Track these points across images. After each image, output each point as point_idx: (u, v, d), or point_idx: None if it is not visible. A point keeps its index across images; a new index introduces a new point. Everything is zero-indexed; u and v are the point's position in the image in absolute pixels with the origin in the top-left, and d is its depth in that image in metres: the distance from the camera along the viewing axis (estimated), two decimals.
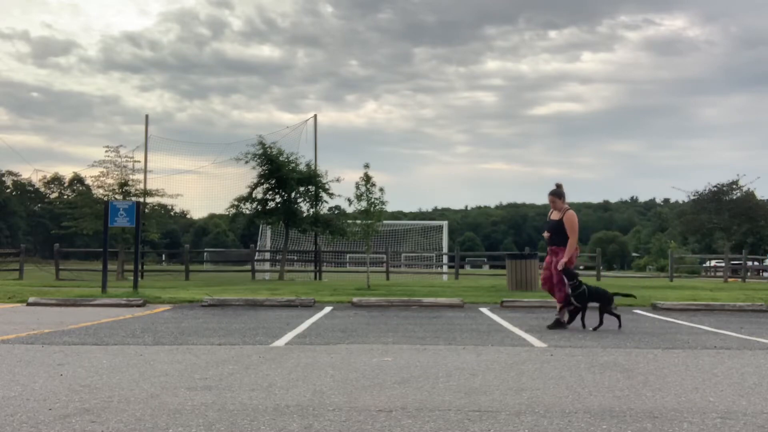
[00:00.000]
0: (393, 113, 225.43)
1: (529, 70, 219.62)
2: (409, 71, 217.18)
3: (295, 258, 29.62)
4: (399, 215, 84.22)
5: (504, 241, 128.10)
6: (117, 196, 21.33)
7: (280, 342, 6.78)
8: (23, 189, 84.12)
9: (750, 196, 25.81)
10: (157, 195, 23.07)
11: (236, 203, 22.79)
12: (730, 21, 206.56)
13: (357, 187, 16.53)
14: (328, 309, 10.86)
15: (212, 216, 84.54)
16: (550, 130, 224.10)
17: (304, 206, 23.15)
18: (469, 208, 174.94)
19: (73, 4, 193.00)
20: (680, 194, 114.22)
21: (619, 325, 8.24)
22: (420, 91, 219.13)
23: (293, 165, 22.33)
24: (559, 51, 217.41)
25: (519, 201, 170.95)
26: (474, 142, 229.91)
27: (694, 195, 26.25)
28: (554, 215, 8.53)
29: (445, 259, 33.21)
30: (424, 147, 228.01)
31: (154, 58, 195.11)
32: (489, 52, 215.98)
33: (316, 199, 22.83)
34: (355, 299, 11.90)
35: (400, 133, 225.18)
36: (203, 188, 27.95)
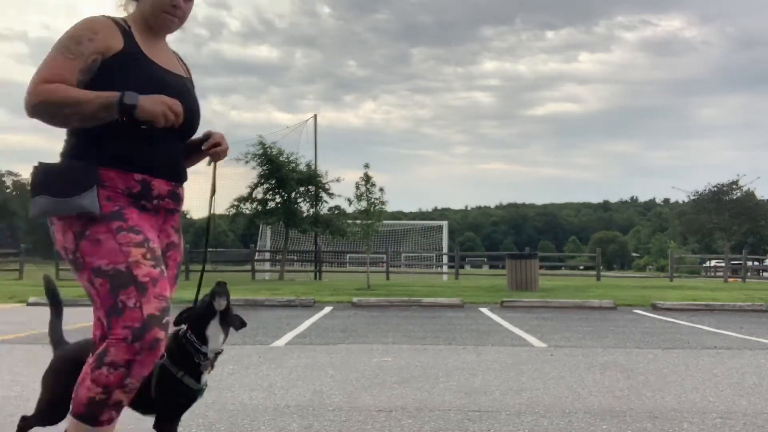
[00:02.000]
0: (391, 113, 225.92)
1: (527, 70, 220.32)
2: (406, 72, 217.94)
3: (295, 258, 29.63)
4: (399, 215, 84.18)
5: (504, 241, 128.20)
6: None
7: (280, 342, 6.78)
8: (23, 189, 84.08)
9: (750, 196, 25.81)
10: None
11: (236, 203, 22.80)
12: (726, 22, 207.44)
13: (357, 187, 16.54)
14: (328, 309, 10.86)
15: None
16: (548, 130, 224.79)
17: (304, 206, 23.18)
18: (469, 208, 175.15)
19: (70, 5, 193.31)
20: (680, 194, 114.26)
21: None
22: (418, 92, 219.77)
23: (293, 165, 22.34)
24: (557, 51, 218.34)
25: (519, 201, 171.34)
26: (472, 142, 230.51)
27: (694, 195, 26.27)
28: (167, 58, 2.34)
29: (445, 259, 33.20)
30: (423, 147, 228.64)
31: None
32: (486, 52, 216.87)
33: (316, 199, 22.84)
34: (355, 299, 11.90)
35: (399, 134, 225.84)
36: (203, 188, 27.88)
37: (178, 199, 2.34)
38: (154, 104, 2.07)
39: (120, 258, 2.06)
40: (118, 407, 2.06)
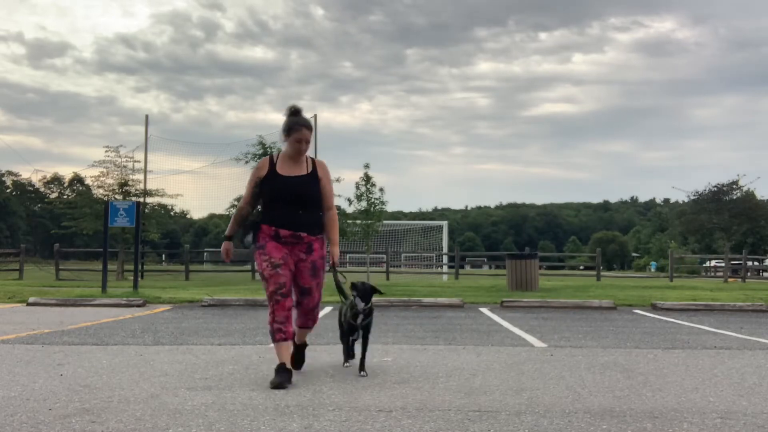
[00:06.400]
0: (388, 114, 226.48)
1: (521, 71, 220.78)
2: (402, 72, 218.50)
3: None
4: (399, 215, 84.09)
5: (504, 241, 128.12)
6: (117, 196, 21.33)
7: None
8: (23, 189, 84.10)
9: (750, 196, 25.77)
10: (157, 195, 23.06)
11: (236, 203, 22.80)
12: (718, 23, 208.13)
13: (357, 187, 16.56)
14: (328, 309, 10.86)
15: (212, 216, 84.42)
16: (545, 131, 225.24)
17: None
18: (469, 208, 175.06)
19: (62, 6, 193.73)
20: (680, 194, 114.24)
21: None
22: (414, 92, 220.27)
23: None
24: (551, 52, 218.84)
25: (519, 201, 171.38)
26: (470, 142, 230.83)
27: (694, 195, 26.22)
28: (295, 167, 4.64)
29: (445, 259, 33.22)
30: (421, 147, 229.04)
31: (149, 60, 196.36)
32: (481, 53, 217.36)
33: None
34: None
35: (396, 134, 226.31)
36: (203, 188, 27.91)
37: (299, 239, 4.56)
38: (222, 247, 4.78)
39: (259, 267, 4.53)
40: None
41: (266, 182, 4.57)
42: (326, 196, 4.66)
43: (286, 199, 4.52)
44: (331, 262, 4.69)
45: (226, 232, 4.69)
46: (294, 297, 4.63)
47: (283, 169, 4.59)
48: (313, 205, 4.60)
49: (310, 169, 4.63)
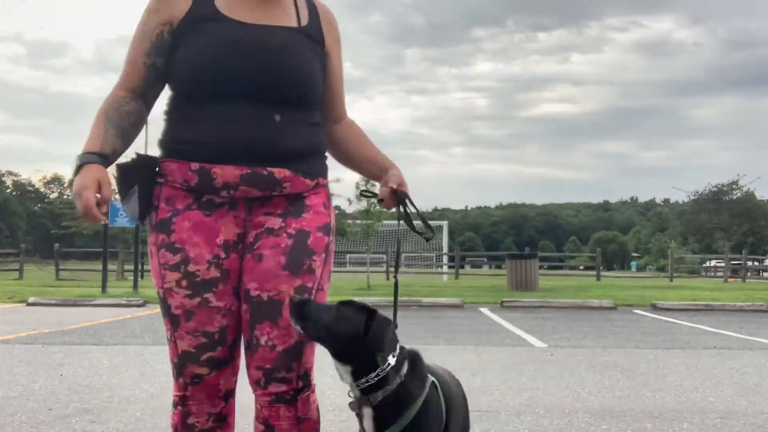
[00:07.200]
0: (387, 114, 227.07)
1: (521, 71, 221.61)
2: (401, 73, 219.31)
3: None
4: None
5: (504, 241, 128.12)
6: (117, 197, 21.33)
7: None
8: (23, 189, 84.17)
9: (750, 196, 25.80)
10: None
11: None
12: (717, 23, 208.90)
13: (357, 187, 16.53)
14: None
15: None
16: (544, 131, 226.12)
17: None
18: (469, 208, 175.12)
19: (65, 7, 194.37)
20: (680, 194, 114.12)
21: None
22: (413, 93, 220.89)
23: None
24: (549, 53, 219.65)
25: (519, 201, 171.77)
26: (469, 142, 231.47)
27: (694, 195, 26.25)
28: (265, 6, 1.72)
29: (445, 259, 33.23)
30: (420, 147, 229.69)
31: None
32: (479, 54, 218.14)
33: None
34: (355, 299, 11.92)
35: (396, 134, 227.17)
36: None
37: (268, 186, 1.67)
38: (75, 184, 1.61)
39: (159, 281, 1.72)
40: None
41: (188, 35, 1.71)
42: (336, 90, 1.92)
43: (242, 83, 1.67)
44: (391, 191, 2.04)
45: (84, 148, 1.67)
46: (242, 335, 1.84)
47: (233, 8, 1.73)
48: (305, 101, 1.76)
49: (305, 20, 1.81)
